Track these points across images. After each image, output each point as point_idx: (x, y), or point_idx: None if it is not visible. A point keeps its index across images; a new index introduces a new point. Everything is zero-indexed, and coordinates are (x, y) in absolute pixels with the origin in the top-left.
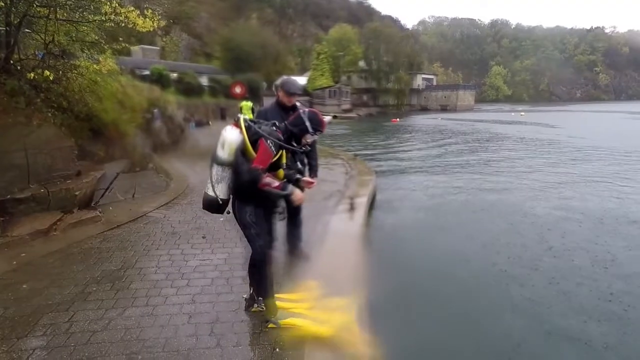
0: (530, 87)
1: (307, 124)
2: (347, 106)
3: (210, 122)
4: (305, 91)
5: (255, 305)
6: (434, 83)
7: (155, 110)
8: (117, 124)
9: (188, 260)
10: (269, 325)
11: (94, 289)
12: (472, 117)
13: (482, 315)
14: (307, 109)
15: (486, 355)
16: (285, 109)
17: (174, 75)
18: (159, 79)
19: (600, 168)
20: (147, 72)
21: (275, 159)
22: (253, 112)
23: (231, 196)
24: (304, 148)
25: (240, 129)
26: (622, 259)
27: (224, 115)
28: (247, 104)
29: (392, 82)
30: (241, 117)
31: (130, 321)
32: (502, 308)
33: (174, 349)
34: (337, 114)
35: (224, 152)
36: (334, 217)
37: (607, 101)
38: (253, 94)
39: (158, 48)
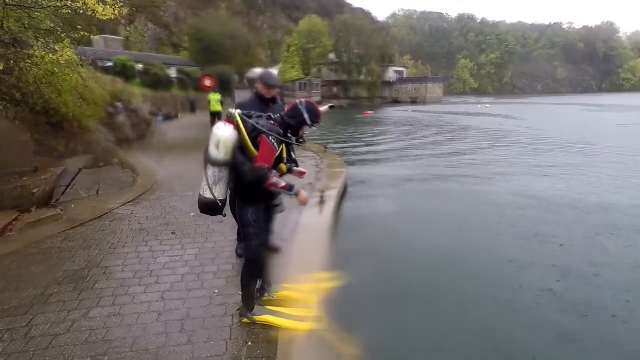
0: (495, 80)
1: (306, 115)
2: (317, 98)
3: (179, 115)
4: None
5: (266, 294)
6: (405, 75)
7: (119, 104)
8: (78, 118)
9: (157, 257)
10: (244, 321)
11: (56, 290)
12: (441, 110)
13: (457, 308)
14: (304, 100)
15: (463, 349)
16: (264, 102)
17: (140, 66)
18: (123, 71)
19: (557, 158)
20: (110, 64)
21: (278, 154)
22: (222, 105)
23: (229, 195)
24: (301, 140)
25: (237, 125)
26: (586, 243)
27: (194, 108)
28: (215, 97)
29: (364, 74)
30: (235, 112)
31: (95, 322)
32: (477, 298)
33: (142, 348)
34: (334, 104)
35: (220, 152)
36: (305, 211)
37: (565, 94)
38: (224, 87)
39: (122, 38)
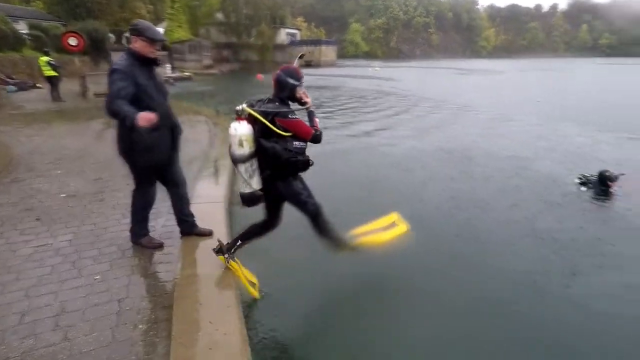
0: (384, 44)
1: (290, 80)
2: (208, 62)
3: (38, 85)
4: (162, 45)
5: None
6: (298, 38)
7: None
8: None
9: (17, 249)
10: (347, 249)
11: None
12: (335, 73)
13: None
14: (278, 71)
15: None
16: (147, 63)
17: None
18: None
19: (432, 115)
20: None
21: None
22: (54, 68)
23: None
24: (304, 102)
25: (252, 118)
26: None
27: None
28: (43, 59)
29: (254, 36)
30: (243, 107)
31: None
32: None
33: (1, 357)
34: (303, 53)
35: (245, 149)
36: (199, 183)
37: (438, 59)
38: (97, 47)
39: None
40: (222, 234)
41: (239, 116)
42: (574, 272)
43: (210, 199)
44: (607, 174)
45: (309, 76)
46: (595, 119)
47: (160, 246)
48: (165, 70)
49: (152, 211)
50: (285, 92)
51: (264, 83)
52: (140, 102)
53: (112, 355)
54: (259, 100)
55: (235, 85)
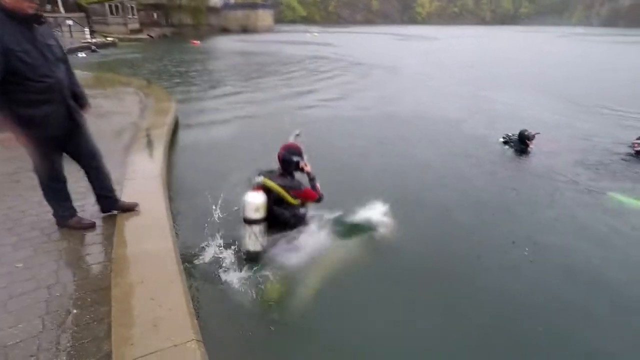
0: (321, 8)
1: (295, 158)
2: (134, 25)
3: None
4: (77, 5)
5: None
6: (232, 0)
7: None
8: None
9: None
10: None
11: None
12: (273, 39)
13: None
14: (281, 150)
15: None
16: (22, 22)
17: None
18: None
19: (373, 79)
20: None
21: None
22: None
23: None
24: (306, 172)
25: (270, 188)
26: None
27: None
28: None
29: None
30: (261, 179)
31: None
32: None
33: None
34: (298, 132)
35: (261, 214)
36: (132, 158)
37: (378, 24)
38: None
39: None
40: (160, 211)
41: (258, 186)
42: (496, 220)
43: (145, 174)
44: (525, 133)
45: (245, 42)
46: (520, 83)
47: (91, 226)
48: (84, 35)
49: (81, 190)
50: (292, 167)
51: (201, 49)
52: (16, 73)
53: (44, 344)
54: (269, 172)
55: (167, 52)
